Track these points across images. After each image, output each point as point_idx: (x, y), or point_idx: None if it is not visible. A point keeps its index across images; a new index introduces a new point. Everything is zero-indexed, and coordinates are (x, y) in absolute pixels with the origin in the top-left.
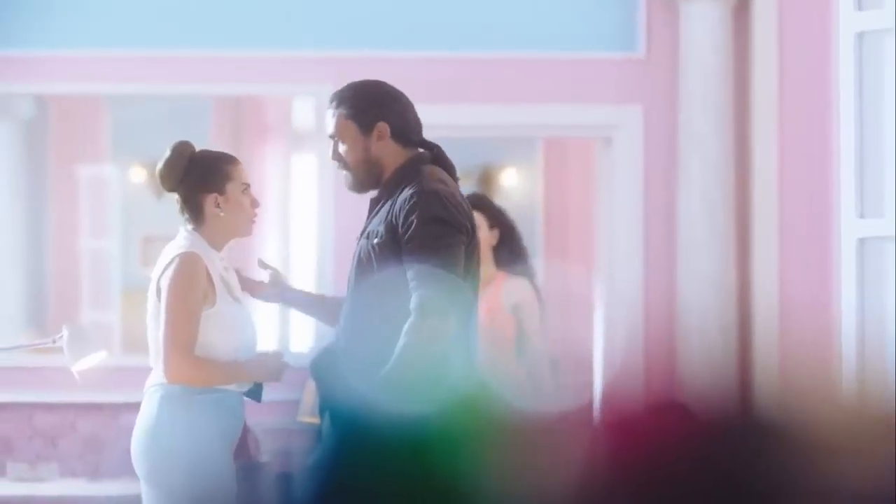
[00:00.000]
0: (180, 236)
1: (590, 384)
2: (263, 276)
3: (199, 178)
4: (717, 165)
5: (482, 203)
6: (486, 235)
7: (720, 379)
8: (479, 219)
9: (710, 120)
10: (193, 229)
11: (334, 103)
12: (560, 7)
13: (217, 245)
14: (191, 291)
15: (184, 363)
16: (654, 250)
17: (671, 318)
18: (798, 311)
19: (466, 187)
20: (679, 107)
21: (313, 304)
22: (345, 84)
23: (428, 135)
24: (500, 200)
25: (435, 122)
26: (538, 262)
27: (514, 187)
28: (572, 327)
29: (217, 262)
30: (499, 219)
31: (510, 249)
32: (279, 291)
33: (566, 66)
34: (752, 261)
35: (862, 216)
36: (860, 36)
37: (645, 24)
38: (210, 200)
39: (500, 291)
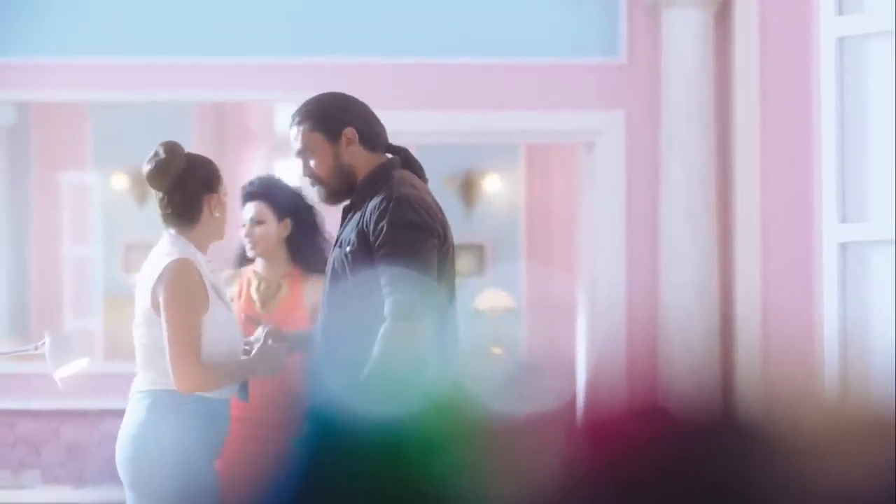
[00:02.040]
0: (165, 241)
1: (572, 388)
2: (259, 333)
3: (200, 177)
4: (699, 170)
5: (265, 191)
6: (273, 228)
7: (702, 382)
8: (265, 210)
9: (692, 125)
10: (178, 233)
11: (297, 119)
12: (542, 13)
13: (203, 248)
14: (192, 300)
15: (196, 373)
16: (636, 255)
17: (654, 322)
18: (780, 315)
19: (447, 192)
20: (661, 112)
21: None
22: (306, 98)
23: (410, 141)
24: (483, 206)
25: (417, 128)
26: (521, 267)
27: (496, 193)
28: (555, 332)
29: (205, 266)
30: (290, 207)
31: (308, 242)
32: (282, 344)
33: (548, 72)
34: (734, 265)
35: (843, 221)
36: (841, 41)
37: (626, 30)
38: (210, 201)
39: (300, 292)
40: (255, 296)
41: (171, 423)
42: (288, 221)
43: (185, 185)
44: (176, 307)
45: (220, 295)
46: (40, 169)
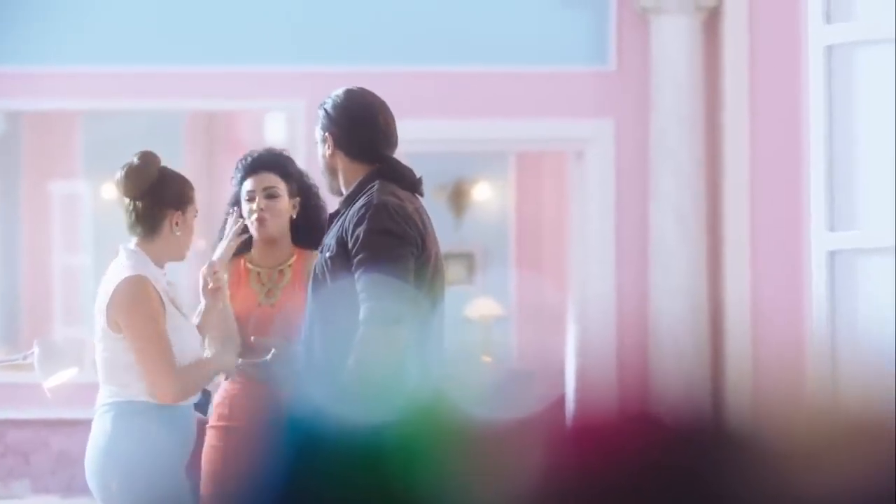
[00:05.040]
0: (122, 257)
1: (562, 395)
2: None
3: (168, 193)
4: (689, 178)
5: (279, 162)
6: (287, 204)
7: (692, 389)
8: (279, 183)
9: (682, 133)
10: (138, 244)
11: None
12: (531, 21)
13: (160, 263)
14: (151, 312)
15: (176, 383)
16: (626, 262)
17: (644, 329)
18: (770, 322)
19: (437, 201)
20: (651, 120)
21: None
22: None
23: (399, 150)
24: (473, 215)
25: (407, 136)
26: (511, 274)
27: (486, 201)
28: (545, 339)
29: (161, 280)
30: (301, 185)
31: (313, 226)
32: (288, 364)
33: (538, 80)
34: (724, 272)
35: (832, 229)
36: (829, 49)
37: (616, 38)
38: (174, 218)
39: (302, 278)
40: (256, 287)
41: (136, 433)
42: (297, 201)
43: (152, 197)
44: (138, 324)
45: (177, 306)
46: (31, 178)
